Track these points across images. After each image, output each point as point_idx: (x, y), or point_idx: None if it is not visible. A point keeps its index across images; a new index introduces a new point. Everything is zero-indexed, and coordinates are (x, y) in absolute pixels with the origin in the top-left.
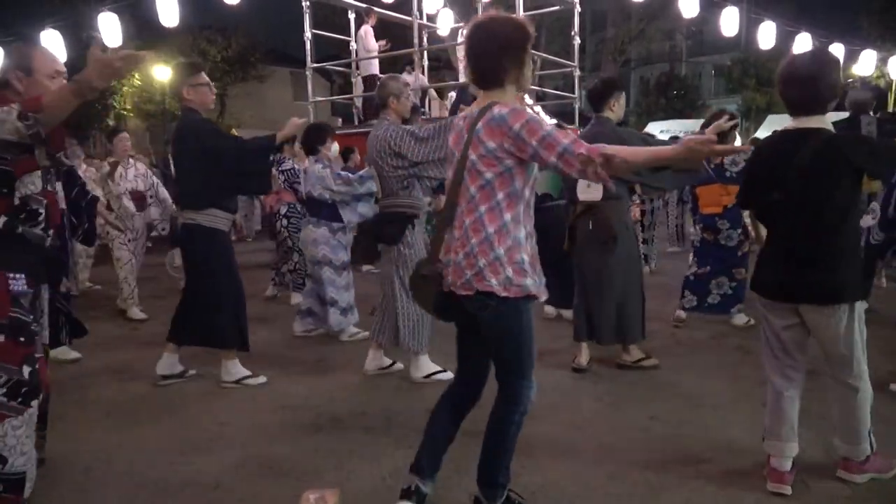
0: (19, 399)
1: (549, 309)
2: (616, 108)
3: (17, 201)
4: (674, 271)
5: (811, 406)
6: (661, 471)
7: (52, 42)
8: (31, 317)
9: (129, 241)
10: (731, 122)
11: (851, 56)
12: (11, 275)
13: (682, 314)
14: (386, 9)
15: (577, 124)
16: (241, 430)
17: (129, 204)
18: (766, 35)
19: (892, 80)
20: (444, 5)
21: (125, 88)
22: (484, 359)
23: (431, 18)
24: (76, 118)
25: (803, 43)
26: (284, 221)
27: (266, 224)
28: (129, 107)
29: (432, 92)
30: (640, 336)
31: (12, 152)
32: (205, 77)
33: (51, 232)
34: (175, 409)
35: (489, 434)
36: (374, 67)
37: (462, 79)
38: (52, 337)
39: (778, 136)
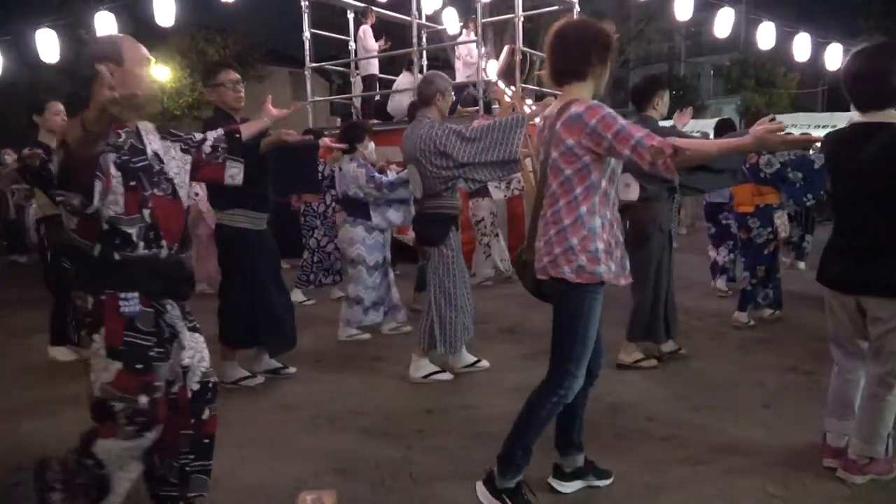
0: (136, 427)
1: None
2: (660, 106)
3: (105, 226)
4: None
5: (812, 408)
6: (660, 472)
7: (48, 42)
8: (154, 339)
9: None
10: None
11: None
12: (122, 295)
13: (768, 313)
14: (385, 8)
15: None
16: (240, 430)
17: None
18: (765, 36)
19: None
20: (446, 4)
21: None
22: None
23: (430, 18)
24: (72, 119)
25: (802, 44)
26: (301, 219)
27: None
28: None
29: None
30: (665, 337)
31: None
32: (224, 76)
33: (164, 243)
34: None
35: (521, 410)
36: (374, 67)
37: (459, 78)
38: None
39: (846, 131)
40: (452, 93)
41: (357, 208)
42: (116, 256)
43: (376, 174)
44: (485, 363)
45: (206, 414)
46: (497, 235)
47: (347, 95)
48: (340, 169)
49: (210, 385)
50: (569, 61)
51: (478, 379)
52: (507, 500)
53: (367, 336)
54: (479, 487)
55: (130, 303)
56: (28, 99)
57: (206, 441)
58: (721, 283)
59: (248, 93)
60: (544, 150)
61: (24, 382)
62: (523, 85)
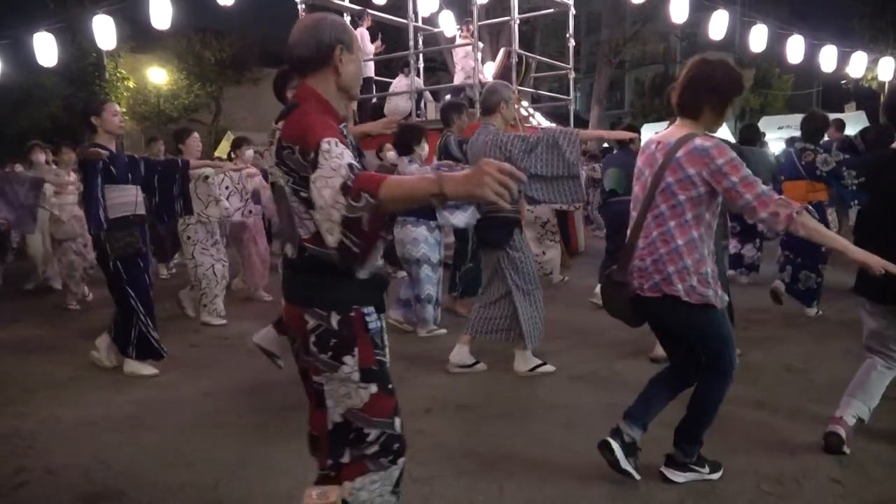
0: (390, 456)
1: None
2: None
3: None
4: None
5: (806, 407)
6: (655, 470)
7: (45, 46)
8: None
9: (211, 245)
10: None
11: (843, 58)
12: (366, 311)
13: (781, 286)
14: (381, 11)
15: (572, 126)
16: (240, 431)
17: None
18: (759, 37)
19: (883, 82)
20: (442, 7)
21: (121, 91)
22: (686, 349)
23: (426, 21)
24: (70, 122)
25: (796, 45)
26: None
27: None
28: (124, 109)
29: (428, 94)
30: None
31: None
32: None
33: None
34: (173, 411)
35: (699, 401)
36: (370, 70)
37: (456, 81)
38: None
39: (888, 155)
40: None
41: (419, 208)
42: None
43: (440, 167)
44: (482, 366)
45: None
46: (557, 242)
47: None
48: (396, 168)
49: None
50: (689, 98)
51: (476, 379)
52: (698, 468)
53: (444, 331)
54: (669, 472)
55: (373, 318)
56: (25, 103)
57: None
58: (742, 277)
59: (244, 95)
60: (653, 172)
61: (25, 386)
62: (519, 87)
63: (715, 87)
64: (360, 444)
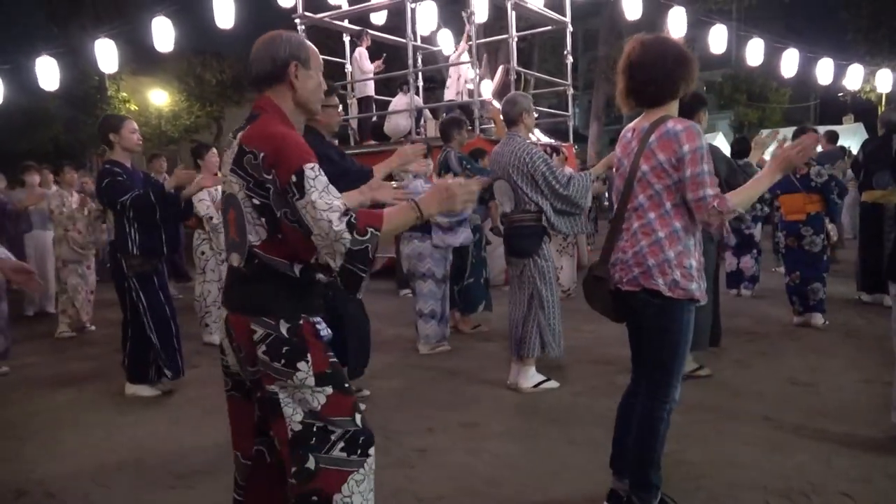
0: (358, 451)
1: None
2: (703, 123)
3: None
4: None
5: (812, 420)
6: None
7: (48, 70)
8: None
9: (221, 262)
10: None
11: (840, 71)
12: (314, 319)
13: (798, 319)
14: (380, 31)
15: (571, 142)
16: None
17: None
18: (756, 52)
19: (880, 94)
20: (440, 27)
21: (123, 113)
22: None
23: (425, 40)
24: (72, 144)
25: (792, 59)
26: None
27: None
28: None
29: (427, 112)
30: (707, 345)
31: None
32: (334, 100)
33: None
34: (175, 432)
35: (639, 434)
36: (370, 89)
37: (449, 96)
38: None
39: None
40: (535, 112)
41: (425, 224)
42: (318, 277)
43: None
44: (553, 383)
45: None
46: (573, 255)
47: (344, 117)
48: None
49: None
50: (653, 84)
51: (478, 396)
52: None
53: (447, 347)
54: None
55: (323, 327)
56: (27, 126)
57: None
58: (746, 291)
59: (245, 116)
60: (630, 162)
61: (25, 409)
62: None
63: (678, 59)
64: (324, 445)
